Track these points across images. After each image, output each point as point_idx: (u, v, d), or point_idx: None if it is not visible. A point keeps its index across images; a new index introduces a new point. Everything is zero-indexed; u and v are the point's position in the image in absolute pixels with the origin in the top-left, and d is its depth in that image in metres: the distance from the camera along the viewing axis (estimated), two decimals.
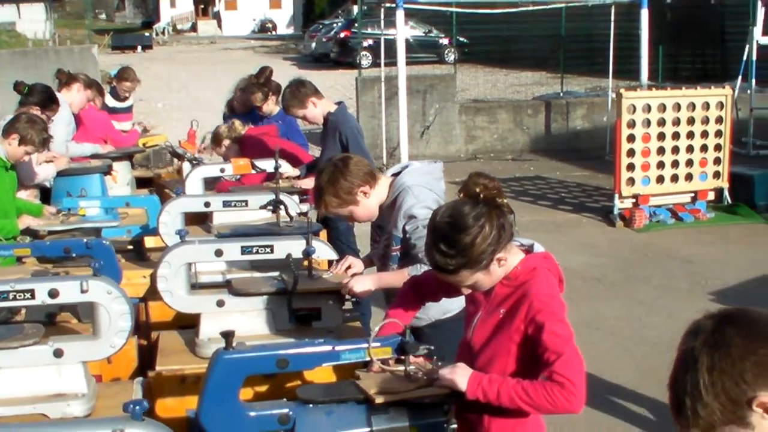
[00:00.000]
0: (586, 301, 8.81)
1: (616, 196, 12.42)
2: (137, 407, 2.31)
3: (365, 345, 3.16)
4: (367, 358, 3.18)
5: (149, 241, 6.00)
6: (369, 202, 4.48)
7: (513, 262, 3.31)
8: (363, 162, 4.53)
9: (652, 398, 6.38)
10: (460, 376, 3.16)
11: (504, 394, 3.11)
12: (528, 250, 3.42)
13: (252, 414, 3.09)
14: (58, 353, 3.65)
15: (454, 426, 3.26)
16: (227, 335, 3.06)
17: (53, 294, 3.61)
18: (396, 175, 4.58)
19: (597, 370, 6.89)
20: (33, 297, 3.61)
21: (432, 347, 3.24)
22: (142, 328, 5.02)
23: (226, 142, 7.85)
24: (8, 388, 3.58)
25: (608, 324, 8.33)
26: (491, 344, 3.32)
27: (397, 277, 4.29)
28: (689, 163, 12.63)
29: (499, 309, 3.31)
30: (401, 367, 3.24)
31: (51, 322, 4.45)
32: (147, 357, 4.60)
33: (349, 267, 4.56)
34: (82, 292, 3.59)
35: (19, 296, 3.56)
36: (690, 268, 10.28)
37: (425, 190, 4.42)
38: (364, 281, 4.34)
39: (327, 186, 4.38)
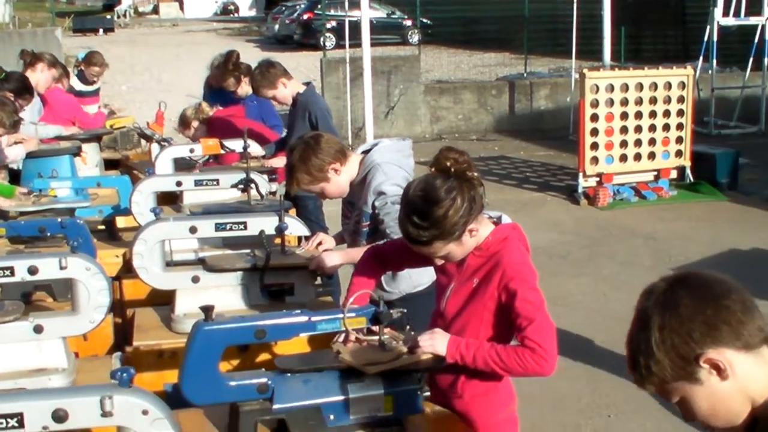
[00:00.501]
0: (551, 277, 8.94)
1: (580, 174, 12.58)
2: (125, 374, 2.38)
3: (341, 316, 3.26)
4: (343, 329, 3.27)
5: (120, 221, 6.05)
6: (340, 179, 4.57)
7: (484, 233, 3.42)
8: (334, 140, 4.62)
9: (617, 371, 6.52)
10: (439, 340, 3.28)
11: (479, 358, 3.24)
12: (497, 221, 3.53)
13: (232, 383, 3.17)
14: (38, 329, 3.71)
15: (427, 393, 3.37)
16: (207, 309, 3.14)
17: (33, 271, 3.67)
18: (366, 152, 4.67)
19: (562, 344, 6.98)
20: (12, 274, 3.67)
21: (405, 310, 3.34)
22: (116, 306, 5.06)
23: (195, 123, 7.91)
24: None
25: (574, 299, 8.47)
26: (464, 313, 3.43)
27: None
28: (652, 141, 12.82)
29: (472, 279, 3.42)
30: (375, 337, 3.34)
31: (27, 301, 4.51)
32: (122, 335, 4.67)
33: (320, 243, 4.66)
34: (61, 268, 3.65)
35: None
36: (653, 245, 10.46)
37: (395, 168, 4.51)
38: (332, 257, 4.43)
39: (299, 164, 4.46)
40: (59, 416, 2.34)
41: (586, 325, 7.82)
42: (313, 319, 3.25)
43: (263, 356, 4.17)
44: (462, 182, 3.29)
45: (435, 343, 3.27)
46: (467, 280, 3.44)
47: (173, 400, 3.41)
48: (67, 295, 4.17)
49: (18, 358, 3.69)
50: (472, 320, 3.41)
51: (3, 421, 2.32)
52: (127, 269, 4.89)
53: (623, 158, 12.68)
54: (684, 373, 2.08)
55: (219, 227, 4.42)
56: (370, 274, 3.87)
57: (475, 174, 3.34)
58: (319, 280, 4.79)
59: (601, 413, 6.19)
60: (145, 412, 2.38)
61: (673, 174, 13.01)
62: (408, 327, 3.43)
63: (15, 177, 7.59)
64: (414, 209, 3.29)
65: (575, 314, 8.02)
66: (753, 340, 2.07)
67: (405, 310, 3.35)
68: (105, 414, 2.35)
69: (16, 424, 2.33)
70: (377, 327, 3.31)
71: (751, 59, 17.33)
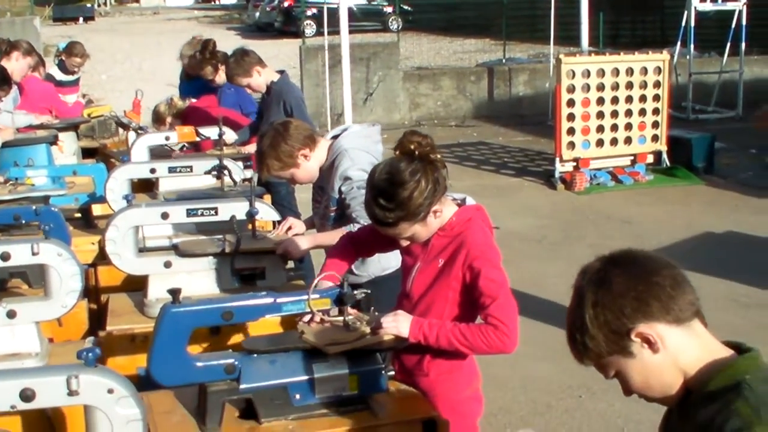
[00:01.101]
0: (527, 261, 9.04)
1: (557, 159, 12.67)
2: (90, 354, 2.45)
3: (305, 297, 3.33)
4: (308, 310, 3.35)
5: (97, 209, 6.09)
6: (309, 165, 4.64)
7: (448, 214, 3.51)
8: (303, 126, 4.69)
9: None
10: (401, 322, 3.36)
11: (442, 337, 3.32)
12: (461, 203, 3.61)
13: (199, 364, 3.24)
14: (11, 314, 3.77)
15: (392, 372, 3.46)
16: (174, 291, 3.21)
17: (5, 257, 3.73)
18: (335, 137, 4.74)
19: (536, 326, 7.13)
20: None
21: (369, 291, 3.43)
22: (91, 292, 5.13)
23: (169, 119, 7.97)
24: None
25: (548, 283, 8.56)
26: (430, 293, 3.52)
27: (331, 237, 4.48)
28: (628, 126, 12.92)
29: (437, 259, 3.51)
30: (340, 318, 3.42)
31: (2, 288, 4.58)
32: (97, 320, 4.72)
33: (290, 228, 4.73)
34: (33, 254, 3.71)
35: None
36: (628, 229, 10.56)
37: (362, 153, 4.59)
38: (300, 241, 4.52)
39: (269, 150, 4.53)
40: (26, 395, 2.41)
41: (560, 308, 7.88)
42: (279, 300, 3.32)
43: (235, 339, 4.24)
44: (426, 164, 3.37)
45: (398, 324, 3.36)
46: (432, 260, 3.53)
47: (146, 383, 3.49)
48: (41, 282, 4.22)
49: None
50: (437, 300, 3.49)
51: None
52: (103, 256, 4.93)
53: (600, 143, 12.78)
54: (617, 348, 2.17)
55: (190, 213, 4.49)
56: (343, 257, 3.94)
57: (438, 156, 3.43)
58: (291, 265, 4.87)
59: (573, 394, 6.30)
60: (110, 391, 2.45)
61: (650, 159, 13.10)
62: (372, 308, 3.52)
63: None
64: (380, 192, 3.38)
65: (549, 297, 8.11)
66: (683, 314, 2.16)
67: (369, 291, 3.44)
68: (71, 393, 2.42)
69: None
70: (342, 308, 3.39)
71: (728, 44, 17.45)
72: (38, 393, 2.41)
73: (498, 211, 11.28)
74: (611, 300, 2.16)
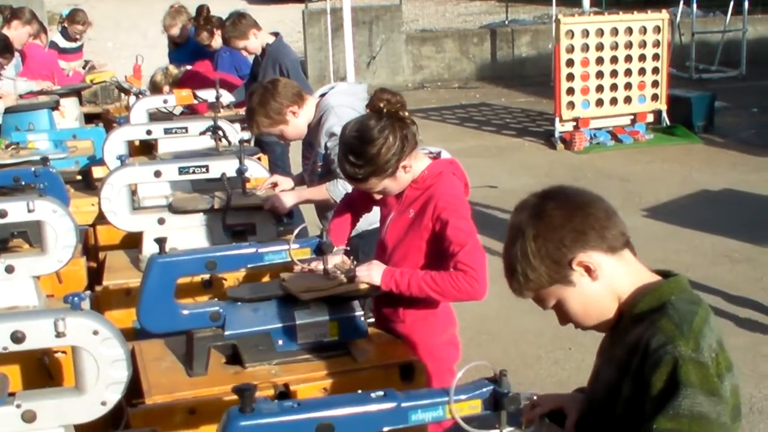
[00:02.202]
0: None
1: (557, 119, 12.74)
2: (76, 298, 2.61)
3: (286, 247, 3.49)
4: (288, 259, 3.51)
5: (97, 171, 6.24)
6: (298, 122, 4.79)
7: (420, 167, 3.64)
8: (291, 84, 4.84)
9: None
10: (374, 271, 3.51)
11: (414, 285, 3.46)
12: (436, 156, 3.75)
13: (185, 312, 3.42)
14: (9, 269, 3.94)
15: (371, 319, 3.62)
16: (160, 241, 3.37)
17: (2, 214, 3.90)
18: (323, 95, 4.88)
19: None
20: None
21: (348, 248, 3.59)
22: (91, 251, 5.31)
23: (166, 88, 8.10)
24: None
25: None
26: (404, 242, 3.67)
27: (316, 192, 4.67)
28: (628, 86, 12.95)
29: (408, 210, 3.65)
30: (321, 267, 3.58)
31: (3, 246, 4.74)
32: (95, 277, 4.89)
33: (275, 184, 4.88)
34: (29, 211, 3.87)
35: None
36: (626, 186, 10.65)
37: (348, 110, 4.72)
38: (287, 197, 4.69)
39: (258, 107, 4.68)
40: (17, 337, 2.56)
41: None
42: (260, 250, 3.49)
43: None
44: (394, 121, 3.51)
45: (371, 273, 3.50)
46: (404, 211, 3.68)
47: (141, 335, 3.67)
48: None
49: None
50: (412, 249, 3.64)
51: None
52: (102, 216, 5.09)
53: (599, 103, 12.84)
54: (558, 277, 2.31)
55: (182, 170, 4.64)
56: (343, 220, 4.10)
57: (407, 113, 3.55)
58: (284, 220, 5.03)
59: (562, 346, 6.44)
60: (95, 333, 2.61)
61: (650, 118, 13.15)
62: (352, 258, 3.68)
63: None
64: (349, 148, 3.53)
65: None
66: (616, 243, 2.32)
67: (349, 248, 3.61)
68: (59, 335, 2.58)
69: None
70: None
71: (731, 3, 17.43)
72: (28, 335, 2.57)
73: (497, 170, 11.44)
74: (551, 232, 2.29)
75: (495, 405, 2.27)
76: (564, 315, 2.40)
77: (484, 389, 2.28)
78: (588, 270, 2.30)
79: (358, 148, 3.51)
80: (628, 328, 2.31)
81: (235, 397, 2.21)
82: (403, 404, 2.24)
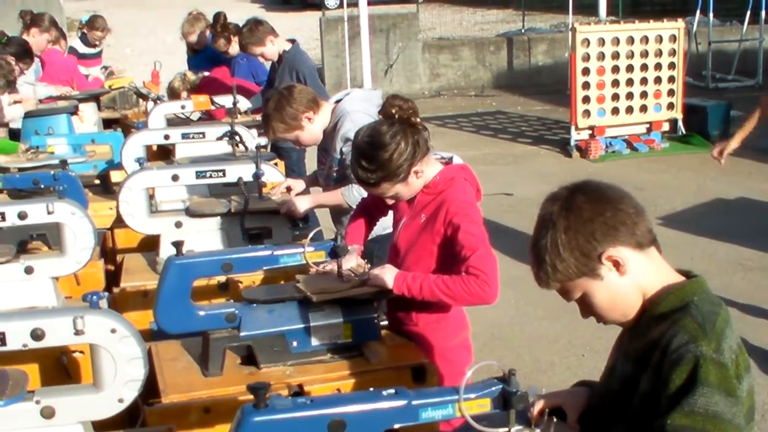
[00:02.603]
0: None
1: (572, 128, 12.77)
2: (95, 297, 2.67)
3: (301, 250, 3.54)
4: (303, 262, 3.56)
5: (115, 176, 6.31)
6: (313, 127, 4.85)
7: (432, 173, 3.69)
8: (306, 90, 4.91)
9: None
10: (387, 274, 3.55)
11: (426, 288, 3.50)
12: (448, 162, 3.80)
13: (202, 313, 3.47)
14: (28, 270, 4.02)
15: (385, 322, 3.67)
16: (177, 243, 3.43)
17: (22, 216, 3.96)
18: (338, 102, 4.94)
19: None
20: (4, 219, 3.97)
21: (361, 246, 3.64)
22: (108, 254, 5.38)
23: (184, 94, 8.18)
24: None
25: None
26: (416, 247, 3.72)
27: (331, 197, 4.74)
28: (644, 95, 12.98)
29: (420, 215, 3.70)
30: (336, 269, 3.63)
31: (23, 248, 4.80)
32: (113, 280, 4.95)
33: (289, 189, 4.94)
34: (49, 213, 3.94)
35: None
36: (640, 194, 10.51)
37: (363, 116, 4.78)
38: (302, 201, 4.75)
39: (273, 113, 4.74)
40: (37, 335, 2.63)
41: None
42: (276, 252, 3.54)
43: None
44: (406, 127, 3.56)
45: (384, 276, 3.55)
46: (416, 215, 3.73)
47: (158, 337, 3.72)
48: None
49: (10, 297, 3.99)
50: (424, 254, 3.68)
51: None
52: (120, 220, 5.16)
53: (615, 111, 12.86)
54: (587, 270, 2.33)
55: (199, 174, 4.70)
56: (359, 225, 4.16)
57: (419, 119, 3.60)
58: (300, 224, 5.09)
59: (576, 353, 6.48)
60: (113, 331, 2.67)
61: (665, 126, 13.18)
62: (366, 261, 3.74)
63: (14, 136, 7.85)
64: (362, 154, 3.59)
65: None
66: (644, 240, 2.34)
67: (361, 246, 3.66)
68: (77, 332, 2.64)
69: None
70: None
71: (748, 12, 17.42)
72: (47, 332, 2.63)
73: (512, 178, 11.47)
74: (582, 225, 2.31)
75: (504, 404, 2.32)
76: (587, 308, 2.42)
77: (493, 388, 2.33)
78: (617, 265, 2.32)
79: (370, 153, 3.56)
80: (650, 324, 2.34)
81: (249, 396, 2.26)
82: (414, 402, 2.29)
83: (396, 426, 2.30)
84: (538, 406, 2.44)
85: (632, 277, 2.34)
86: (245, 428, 2.19)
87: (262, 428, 2.19)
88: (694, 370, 2.15)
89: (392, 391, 2.31)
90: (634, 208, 2.36)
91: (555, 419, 2.46)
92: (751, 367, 2.29)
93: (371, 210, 4.19)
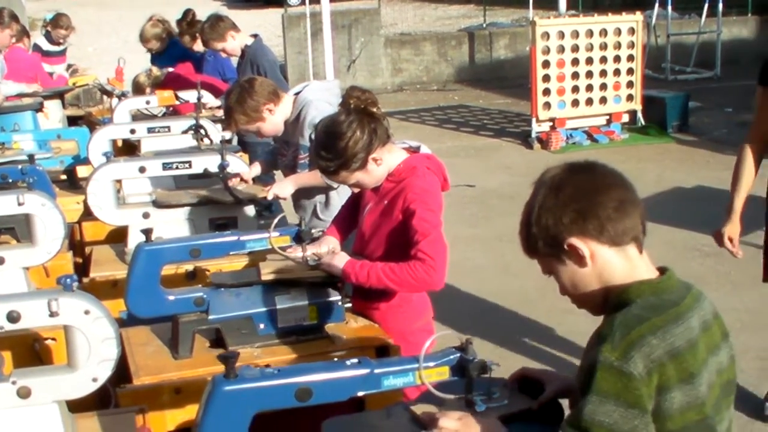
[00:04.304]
0: (501, 217, 9.32)
1: (534, 120, 12.94)
2: (68, 279, 2.76)
3: (266, 235, 3.66)
4: (269, 246, 3.68)
5: (81, 171, 6.37)
6: (274, 119, 4.99)
7: (395, 161, 3.80)
8: (267, 82, 5.04)
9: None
10: (337, 261, 3.67)
11: (373, 276, 3.62)
12: (415, 150, 3.91)
13: (171, 298, 3.57)
14: (0, 261, 4.09)
15: (349, 304, 3.78)
16: (146, 231, 3.53)
17: None
18: (298, 93, 5.08)
19: (507, 278, 7.50)
20: None
21: (324, 231, 3.76)
22: (77, 247, 5.45)
23: (149, 89, 8.24)
24: None
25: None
26: (378, 232, 3.84)
27: (311, 177, 4.88)
28: (603, 87, 13.15)
29: (383, 201, 3.83)
30: (299, 255, 3.75)
31: None
32: (82, 272, 5.02)
33: (241, 178, 5.08)
34: (19, 204, 3.99)
35: None
36: None
37: (325, 104, 4.93)
38: (286, 184, 4.92)
39: (235, 105, 4.88)
40: (12, 317, 2.71)
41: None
42: (242, 238, 3.66)
43: None
44: (363, 116, 3.67)
45: (333, 263, 3.67)
46: (379, 202, 3.85)
47: (128, 325, 3.82)
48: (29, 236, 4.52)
49: None
50: (384, 240, 3.81)
51: None
52: (88, 214, 5.23)
53: (575, 103, 13.04)
54: (551, 251, 2.32)
55: (166, 166, 4.79)
56: (343, 215, 4.24)
57: (377, 109, 3.71)
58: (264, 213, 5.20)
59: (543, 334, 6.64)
60: (86, 312, 2.76)
61: (625, 118, 13.35)
62: (332, 246, 3.86)
63: None
64: (320, 144, 3.73)
65: (520, 250, 8.41)
66: (619, 238, 2.27)
67: (324, 230, 3.77)
68: (52, 314, 2.72)
69: None
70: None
71: (706, 5, 17.64)
72: (23, 314, 2.71)
73: (475, 170, 11.60)
74: (555, 206, 2.28)
75: (462, 371, 2.44)
76: (559, 287, 2.41)
77: (452, 357, 2.45)
78: (577, 254, 2.28)
79: (327, 142, 3.68)
80: (604, 319, 2.30)
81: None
82: (376, 370, 2.41)
83: (360, 393, 2.41)
84: (517, 374, 2.52)
85: (595, 269, 2.29)
86: (216, 397, 2.30)
87: (233, 397, 2.30)
88: (590, 375, 2.12)
89: (356, 360, 2.43)
90: (619, 202, 2.27)
91: (513, 389, 2.56)
92: (698, 375, 2.20)
93: (352, 207, 4.30)
